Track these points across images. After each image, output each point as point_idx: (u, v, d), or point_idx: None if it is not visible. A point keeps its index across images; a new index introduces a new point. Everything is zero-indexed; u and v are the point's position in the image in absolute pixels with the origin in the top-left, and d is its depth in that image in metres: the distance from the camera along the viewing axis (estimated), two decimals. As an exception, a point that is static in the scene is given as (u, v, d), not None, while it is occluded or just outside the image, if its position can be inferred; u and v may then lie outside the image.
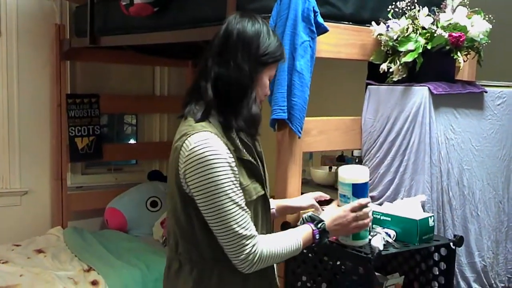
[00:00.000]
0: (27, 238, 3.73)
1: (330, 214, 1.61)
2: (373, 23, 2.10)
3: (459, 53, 1.97)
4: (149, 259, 3.35)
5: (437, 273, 1.94)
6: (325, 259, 1.85)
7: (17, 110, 3.79)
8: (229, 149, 1.42)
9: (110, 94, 4.16)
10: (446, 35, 1.95)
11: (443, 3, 2.09)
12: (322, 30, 1.91)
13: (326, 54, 2.04)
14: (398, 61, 2.02)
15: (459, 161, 2.09)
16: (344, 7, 2.13)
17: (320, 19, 1.90)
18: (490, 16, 2.09)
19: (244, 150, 1.49)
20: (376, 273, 1.92)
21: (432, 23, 2.00)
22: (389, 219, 1.89)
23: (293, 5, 1.85)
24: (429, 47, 1.97)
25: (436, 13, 2.06)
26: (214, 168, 1.37)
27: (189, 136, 1.40)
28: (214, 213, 1.39)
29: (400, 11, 2.09)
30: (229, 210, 1.38)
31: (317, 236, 1.54)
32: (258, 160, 1.57)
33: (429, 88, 1.96)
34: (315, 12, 1.89)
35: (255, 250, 1.41)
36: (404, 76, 2.06)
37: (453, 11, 2.02)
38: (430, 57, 2.00)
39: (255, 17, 1.52)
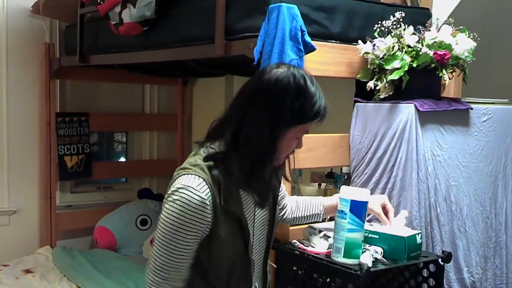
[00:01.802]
0: (16, 258, 3.70)
1: None
2: (359, 41, 2.13)
3: (444, 71, 2.01)
4: (138, 278, 3.32)
5: (426, 289, 1.95)
6: (315, 276, 1.85)
7: (6, 128, 3.78)
8: (214, 201, 1.35)
9: (100, 112, 4.17)
10: (431, 53, 1.98)
11: (428, 22, 2.12)
12: (309, 49, 1.93)
13: (314, 72, 2.02)
14: (384, 79, 2.05)
15: (446, 177, 2.11)
16: (331, 26, 2.17)
17: (308, 38, 1.93)
18: (474, 34, 2.12)
19: (235, 203, 1.42)
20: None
21: (418, 42, 2.03)
22: (377, 236, 1.89)
23: (280, 24, 1.87)
24: (414, 65, 2.00)
25: (422, 32, 2.09)
26: (177, 219, 1.34)
27: (181, 176, 1.37)
28: (157, 245, 1.38)
29: (386, 30, 2.12)
30: (164, 254, 1.36)
31: None
32: (259, 213, 1.54)
33: (415, 105, 1.98)
34: (302, 31, 1.91)
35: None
36: (390, 93, 2.09)
37: (438, 29, 2.05)
38: (416, 74, 2.02)
39: (293, 68, 1.40)
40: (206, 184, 1.35)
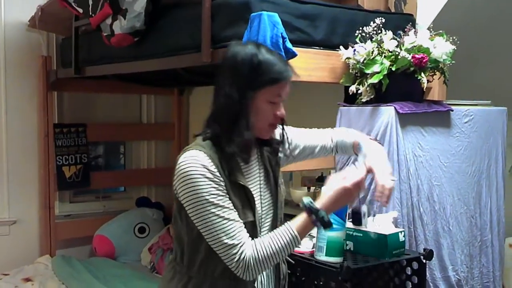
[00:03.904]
0: (16, 267, 3.75)
1: (330, 194, 1.50)
2: (341, 47, 2.20)
3: (422, 74, 2.06)
4: (137, 285, 3.38)
5: (410, 286, 1.98)
6: (299, 275, 1.90)
7: (5, 140, 3.85)
8: (220, 171, 1.46)
9: (97, 123, 4.24)
10: (409, 57, 2.04)
11: (407, 27, 2.19)
12: (291, 55, 2.00)
13: (297, 78, 2.12)
14: (365, 83, 2.11)
15: (428, 178, 2.16)
16: (314, 33, 2.23)
17: (289, 45, 1.99)
18: (454, 37, 2.18)
19: (239, 174, 1.51)
20: (352, 289, 1.97)
21: (397, 46, 2.09)
22: (361, 234, 1.94)
23: (262, 31, 1.94)
24: (394, 68, 2.06)
25: (401, 37, 2.15)
26: (194, 182, 1.42)
27: (182, 153, 1.49)
28: (201, 225, 1.45)
29: (368, 35, 2.19)
30: (213, 221, 1.43)
31: (318, 225, 1.48)
32: (264, 185, 1.61)
33: (395, 108, 2.04)
34: (283, 38, 1.98)
35: (243, 258, 1.43)
36: (372, 97, 2.14)
37: (415, 34, 2.11)
38: (395, 78, 2.09)
39: (253, 43, 1.55)
40: (207, 156, 1.46)
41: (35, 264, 3.84)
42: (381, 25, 2.18)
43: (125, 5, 2.60)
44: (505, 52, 2.88)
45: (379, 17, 2.22)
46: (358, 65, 2.13)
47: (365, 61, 2.10)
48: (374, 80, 2.06)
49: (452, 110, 2.23)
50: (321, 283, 1.81)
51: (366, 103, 2.17)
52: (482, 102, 2.42)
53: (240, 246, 1.44)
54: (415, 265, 1.97)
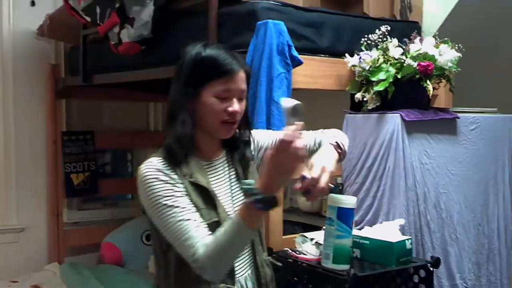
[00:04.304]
0: (24, 274, 3.77)
1: (264, 171, 1.35)
2: (347, 55, 2.20)
3: (428, 81, 2.07)
4: (143, 292, 3.38)
5: (417, 294, 1.98)
6: (306, 283, 1.90)
7: (14, 147, 3.88)
8: (178, 173, 1.44)
9: (105, 130, 4.26)
10: (415, 64, 2.04)
11: (413, 35, 2.19)
12: (296, 63, 2.01)
13: (303, 85, 2.14)
14: (371, 90, 2.11)
15: (435, 185, 2.16)
16: (320, 41, 2.25)
17: (295, 52, 2.01)
18: (459, 45, 2.18)
19: (200, 175, 1.48)
20: (358, 297, 1.97)
21: (402, 54, 2.10)
22: (368, 242, 1.94)
23: (268, 40, 1.96)
24: (399, 76, 2.06)
25: (407, 44, 2.16)
26: (150, 187, 1.41)
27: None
28: (162, 229, 1.42)
29: (373, 43, 2.19)
30: (170, 223, 1.40)
31: (258, 207, 1.32)
32: (236, 185, 1.56)
33: (401, 115, 2.04)
34: (289, 45, 1.99)
35: (197, 258, 1.38)
36: (378, 104, 2.15)
37: (421, 41, 2.12)
38: (401, 85, 2.09)
39: (204, 42, 1.52)
40: (162, 159, 1.45)
41: (43, 271, 3.86)
42: (386, 33, 2.19)
43: (133, 13, 2.63)
44: (511, 59, 2.88)
45: (384, 25, 2.22)
46: (363, 73, 2.14)
47: (370, 69, 2.11)
48: (380, 87, 2.06)
49: (459, 118, 2.23)
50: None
51: (372, 110, 2.18)
52: (489, 109, 2.42)
53: (194, 246, 1.38)
54: (422, 273, 1.97)
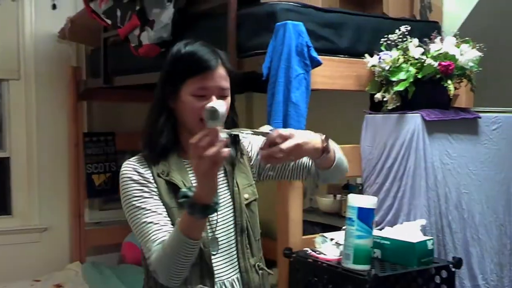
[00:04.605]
0: (47, 273, 3.83)
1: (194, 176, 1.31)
2: (366, 55, 2.20)
3: (449, 81, 2.05)
4: (164, 291, 3.40)
5: (439, 295, 1.97)
6: (326, 283, 1.90)
7: (37, 149, 3.95)
8: (153, 172, 1.42)
9: (125, 131, 4.30)
10: (435, 64, 2.03)
11: (433, 34, 2.18)
12: (316, 63, 2.02)
13: (322, 86, 2.14)
14: (391, 90, 2.11)
15: (456, 185, 2.14)
16: (339, 41, 2.24)
17: (314, 53, 2.01)
18: (481, 44, 2.17)
19: (177, 174, 1.44)
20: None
21: (423, 54, 2.09)
22: (388, 242, 1.94)
23: (287, 41, 1.96)
24: (420, 76, 2.05)
25: (427, 44, 2.15)
26: (123, 186, 1.42)
27: None
28: (131, 227, 1.42)
29: (393, 43, 2.19)
30: (137, 224, 1.40)
31: (191, 214, 1.27)
32: (224, 186, 1.50)
33: (421, 115, 2.04)
34: (308, 46, 1.99)
35: (152, 260, 1.37)
36: (398, 104, 2.14)
37: (441, 41, 2.11)
38: (422, 85, 2.08)
39: (186, 41, 1.47)
40: (141, 158, 1.45)
41: (65, 270, 3.92)
42: (406, 33, 2.18)
43: (153, 16, 2.66)
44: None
45: (404, 25, 2.21)
46: (383, 73, 2.13)
47: (390, 69, 2.10)
48: (400, 87, 2.06)
49: (480, 117, 2.21)
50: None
51: (392, 110, 2.17)
52: (510, 109, 2.39)
53: (151, 250, 1.36)
54: (444, 273, 1.96)
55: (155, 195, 1.42)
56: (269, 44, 2.05)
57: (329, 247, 1.99)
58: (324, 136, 1.44)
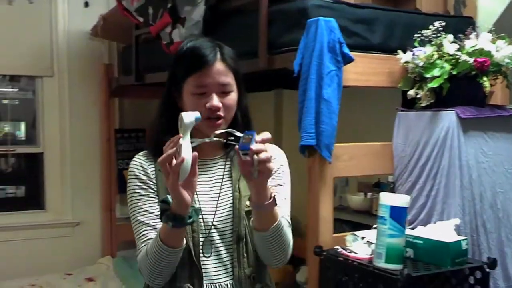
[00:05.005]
0: (79, 267, 3.90)
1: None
2: (399, 51, 2.17)
3: (485, 78, 2.01)
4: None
5: (473, 296, 1.94)
6: (357, 282, 1.88)
7: (69, 145, 4.02)
8: (156, 167, 1.43)
9: (156, 128, 4.34)
10: (471, 60, 1.99)
11: (468, 30, 2.13)
12: (348, 60, 2.00)
13: (354, 82, 2.12)
14: (425, 87, 2.07)
15: (491, 184, 2.10)
16: (371, 37, 2.22)
17: (346, 50, 1.99)
18: (517, 40, 2.12)
19: None
20: (411, 297, 1.94)
21: (457, 50, 2.05)
22: (422, 242, 1.91)
23: (319, 37, 1.95)
24: (454, 72, 2.02)
25: (462, 40, 2.10)
26: (128, 181, 1.45)
27: None
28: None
29: (427, 39, 2.15)
30: (132, 220, 1.43)
31: (166, 223, 1.27)
32: (228, 186, 1.47)
33: (456, 113, 2.00)
34: (340, 43, 1.98)
35: (138, 258, 1.40)
36: (432, 101, 2.10)
37: (476, 37, 2.06)
38: (457, 82, 2.04)
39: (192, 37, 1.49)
40: (149, 154, 1.46)
41: (97, 264, 3.98)
42: (440, 28, 2.14)
43: (184, 13, 2.67)
44: None
45: (438, 20, 2.17)
46: (417, 69, 2.10)
47: (424, 65, 2.07)
48: (434, 84, 2.02)
49: (516, 115, 2.15)
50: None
51: (426, 107, 2.13)
52: (548, 106, 2.33)
53: (139, 248, 1.39)
54: (478, 274, 1.92)
55: (152, 192, 1.42)
56: (300, 40, 2.03)
57: (360, 246, 1.97)
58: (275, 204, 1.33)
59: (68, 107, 4.00)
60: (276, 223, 1.34)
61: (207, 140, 1.32)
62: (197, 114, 1.26)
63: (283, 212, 1.44)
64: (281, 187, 1.47)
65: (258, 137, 1.21)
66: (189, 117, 1.24)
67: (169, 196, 1.27)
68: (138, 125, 4.26)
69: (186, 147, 1.21)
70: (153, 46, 3.22)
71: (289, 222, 1.46)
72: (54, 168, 4.03)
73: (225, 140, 1.34)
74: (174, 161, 1.19)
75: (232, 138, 1.30)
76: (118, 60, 4.10)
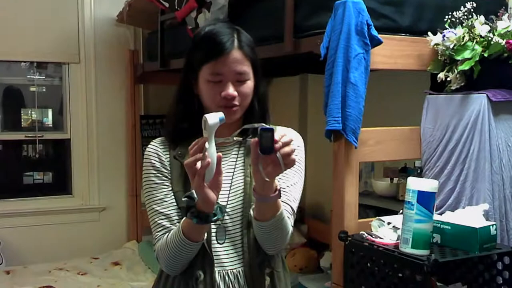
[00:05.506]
0: (105, 251, 3.96)
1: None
2: (429, 33, 2.12)
3: (517, 60, 1.95)
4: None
5: (501, 282, 1.90)
6: (383, 267, 1.86)
7: (96, 131, 4.06)
8: (171, 155, 1.43)
9: (180, 114, 4.36)
10: (503, 42, 1.94)
11: (500, 11, 2.08)
12: (376, 42, 1.96)
13: (382, 66, 2.09)
14: (455, 70, 2.02)
15: (522, 169, 2.05)
16: (400, 19, 2.17)
17: (374, 32, 1.95)
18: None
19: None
20: (438, 283, 1.91)
21: (489, 31, 2.00)
22: (449, 227, 1.88)
23: (346, 19, 1.91)
24: (486, 54, 1.96)
25: (494, 21, 2.05)
26: (143, 169, 1.47)
27: None
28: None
29: (457, 20, 2.10)
30: (148, 209, 1.44)
31: (191, 220, 1.28)
32: (240, 173, 1.46)
33: (487, 96, 1.95)
34: (368, 25, 1.94)
35: (156, 247, 1.41)
36: (462, 84, 2.06)
37: (509, 18, 2.00)
38: (488, 64, 1.99)
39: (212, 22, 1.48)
40: (165, 140, 1.47)
41: (123, 249, 4.04)
42: (472, 10, 2.08)
43: (210, -3, 2.66)
44: None
45: (469, 1, 2.12)
46: (447, 52, 2.05)
47: (455, 47, 2.02)
48: (465, 67, 1.97)
49: (550, 98, 2.09)
50: (406, 275, 1.77)
51: (456, 90, 2.09)
52: None
53: (157, 237, 1.40)
54: (506, 260, 1.88)
55: (166, 180, 1.43)
56: (327, 23, 2.00)
57: (386, 231, 1.95)
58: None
59: (94, 93, 4.04)
60: (277, 213, 1.33)
61: (226, 140, 1.36)
62: (220, 114, 1.25)
63: (290, 197, 1.43)
64: (293, 172, 1.46)
65: (277, 136, 1.20)
66: (213, 118, 1.24)
67: (194, 192, 1.26)
68: (162, 111, 4.24)
69: (211, 149, 1.22)
70: (178, 31, 3.22)
71: (293, 210, 1.44)
72: (81, 154, 4.08)
73: (244, 138, 1.38)
74: (199, 164, 1.20)
75: (250, 136, 1.33)
76: (143, 46, 4.12)
